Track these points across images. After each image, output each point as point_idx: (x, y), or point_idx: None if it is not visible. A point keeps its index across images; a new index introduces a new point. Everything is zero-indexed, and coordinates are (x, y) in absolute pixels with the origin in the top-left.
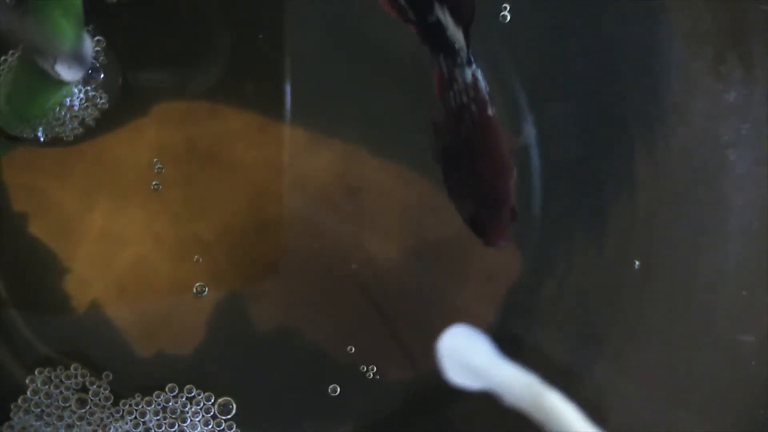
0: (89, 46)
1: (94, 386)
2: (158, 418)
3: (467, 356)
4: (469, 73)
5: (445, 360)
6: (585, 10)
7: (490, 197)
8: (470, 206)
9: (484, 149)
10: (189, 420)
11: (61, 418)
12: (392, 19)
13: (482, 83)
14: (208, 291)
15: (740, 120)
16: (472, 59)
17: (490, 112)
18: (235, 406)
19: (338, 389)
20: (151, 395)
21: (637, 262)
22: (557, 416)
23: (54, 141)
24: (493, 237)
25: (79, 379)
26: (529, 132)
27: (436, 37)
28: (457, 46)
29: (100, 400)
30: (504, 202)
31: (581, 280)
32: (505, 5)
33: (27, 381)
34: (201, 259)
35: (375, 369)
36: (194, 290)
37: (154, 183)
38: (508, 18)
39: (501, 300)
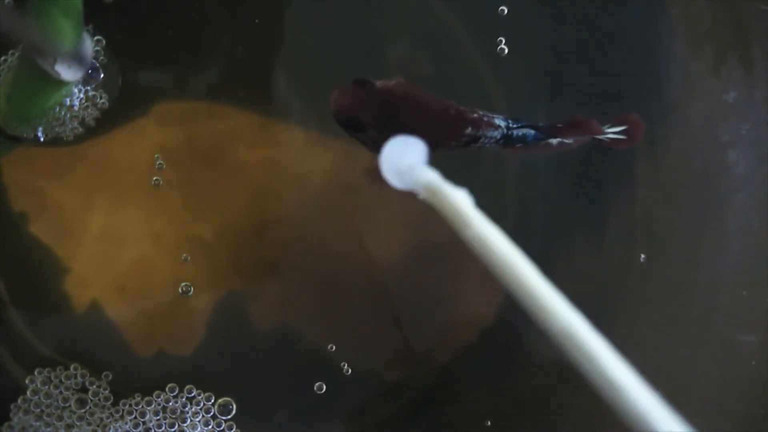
0: (89, 45)
1: (94, 386)
2: (158, 418)
3: (399, 161)
4: (497, 134)
5: (383, 165)
6: (584, 10)
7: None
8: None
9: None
10: (189, 420)
11: (60, 418)
12: (392, 18)
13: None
14: (193, 291)
15: (740, 120)
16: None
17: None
18: (235, 406)
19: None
20: (151, 395)
21: (642, 255)
22: (451, 207)
23: (54, 141)
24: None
25: (79, 379)
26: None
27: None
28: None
29: (99, 400)
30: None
31: (581, 280)
32: (503, 8)
33: (27, 381)
34: (194, 257)
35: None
36: (180, 290)
37: (155, 178)
38: (507, 11)
39: (501, 300)
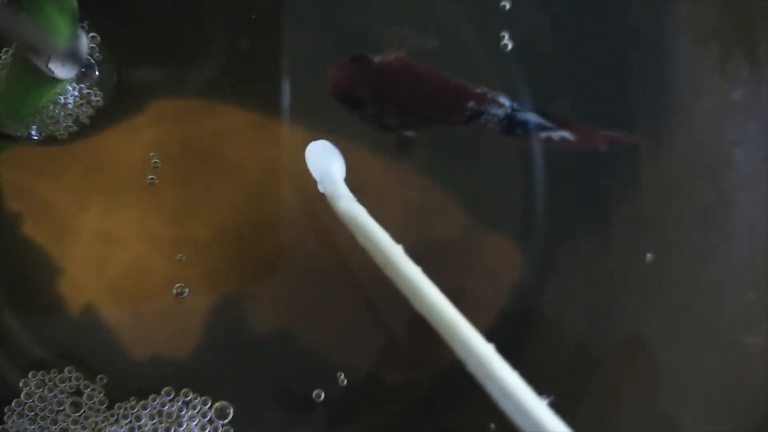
0: (84, 42)
1: (89, 389)
2: (154, 422)
3: (320, 165)
4: (501, 112)
5: (309, 161)
6: (588, 7)
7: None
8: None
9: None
10: (185, 424)
11: (55, 422)
12: (393, 13)
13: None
14: (189, 292)
15: (746, 118)
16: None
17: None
18: (232, 410)
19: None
20: (147, 399)
21: (648, 255)
22: (357, 226)
23: (48, 139)
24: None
25: (74, 382)
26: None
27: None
28: (520, 117)
29: (94, 403)
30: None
31: (585, 280)
32: (504, 3)
33: (21, 384)
34: (189, 258)
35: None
36: (175, 291)
37: (150, 177)
38: (508, 6)
39: (503, 300)
